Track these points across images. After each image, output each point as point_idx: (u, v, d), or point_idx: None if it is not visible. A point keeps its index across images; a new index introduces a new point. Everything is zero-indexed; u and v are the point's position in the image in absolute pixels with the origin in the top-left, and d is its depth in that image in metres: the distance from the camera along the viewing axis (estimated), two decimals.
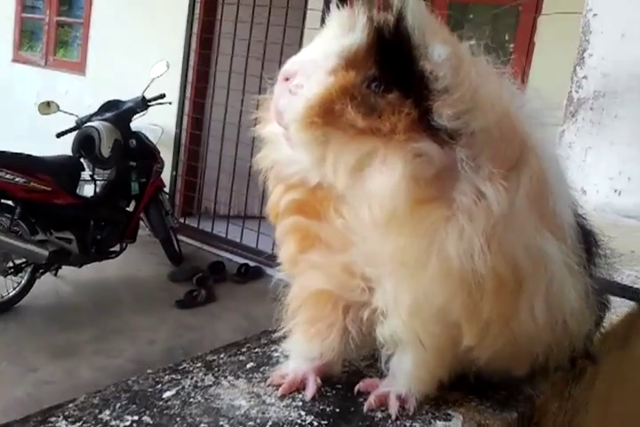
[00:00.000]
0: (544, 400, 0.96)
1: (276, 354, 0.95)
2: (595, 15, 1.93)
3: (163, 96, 5.29)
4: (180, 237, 5.95)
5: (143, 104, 5.19)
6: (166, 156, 5.83)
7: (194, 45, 6.29)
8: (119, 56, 6.91)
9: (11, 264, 4.65)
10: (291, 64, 0.79)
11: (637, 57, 1.91)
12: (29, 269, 4.69)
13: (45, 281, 4.92)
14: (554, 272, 0.79)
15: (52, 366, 4.06)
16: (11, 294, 4.68)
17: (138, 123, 5.35)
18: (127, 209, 5.28)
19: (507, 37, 5.01)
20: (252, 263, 5.96)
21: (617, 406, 1.43)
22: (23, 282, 4.70)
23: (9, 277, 4.66)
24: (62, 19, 8.12)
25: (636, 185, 1.98)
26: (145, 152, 5.29)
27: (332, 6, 0.82)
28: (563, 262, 0.81)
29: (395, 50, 0.74)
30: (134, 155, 5.16)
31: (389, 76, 0.74)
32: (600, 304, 0.94)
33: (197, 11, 6.25)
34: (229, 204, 6.24)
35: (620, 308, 1.29)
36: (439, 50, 0.74)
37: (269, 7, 5.54)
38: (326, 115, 0.73)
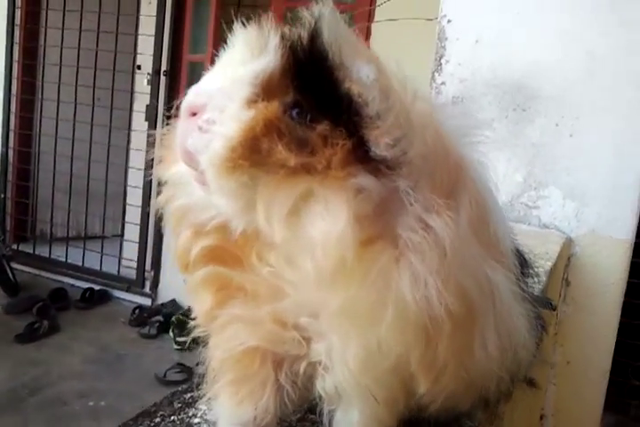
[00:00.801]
0: None
1: (196, 420, 0.82)
2: (449, 21, 1.97)
3: None
4: (15, 265, 5.49)
5: None
6: None
7: (16, 56, 5.80)
8: None
9: None
10: (195, 95, 0.69)
11: (491, 62, 1.98)
12: None
13: None
14: (503, 302, 0.73)
15: None
16: None
17: None
18: None
19: None
20: (96, 287, 5.63)
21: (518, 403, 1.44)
22: None
23: None
24: None
25: (498, 186, 2.03)
26: None
27: (237, 25, 0.72)
28: (510, 291, 0.75)
29: (314, 72, 0.65)
30: None
31: (314, 102, 0.65)
32: (540, 326, 0.91)
33: (18, 18, 5.76)
34: (67, 225, 5.82)
35: None
36: (365, 70, 0.66)
37: (99, 13, 5.24)
38: (251, 155, 0.63)
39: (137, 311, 5.31)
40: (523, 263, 0.90)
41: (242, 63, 0.68)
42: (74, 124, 5.49)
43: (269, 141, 0.63)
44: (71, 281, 5.74)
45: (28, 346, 4.62)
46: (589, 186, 1.99)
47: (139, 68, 5.33)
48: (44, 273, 5.83)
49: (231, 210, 0.67)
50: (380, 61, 0.69)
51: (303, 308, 0.69)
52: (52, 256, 5.78)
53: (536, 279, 0.96)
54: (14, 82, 5.82)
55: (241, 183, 0.63)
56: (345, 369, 0.69)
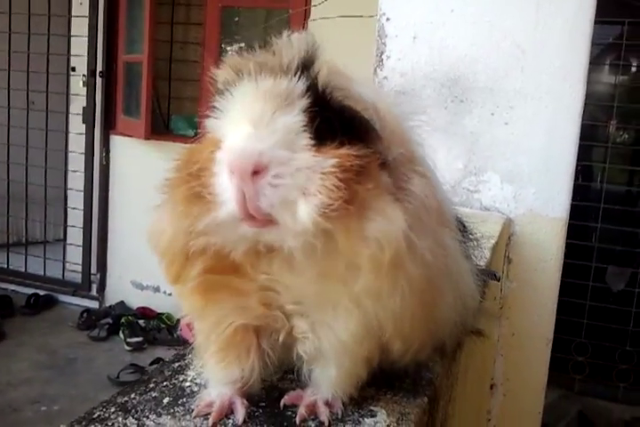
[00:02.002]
0: (439, 381, 1.02)
1: (187, 384, 0.91)
2: (388, 19, 2.08)
3: None
4: None
5: None
6: None
7: None
8: None
9: None
10: (246, 154, 0.71)
11: (429, 57, 2.10)
12: None
13: None
14: (455, 260, 0.86)
15: None
16: None
17: None
18: None
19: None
20: (41, 292, 5.54)
21: (470, 374, 1.57)
22: None
23: None
24: None
25: (440, 174, 2.16)
26: None
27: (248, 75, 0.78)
28: (457, 250, 0.89)
29: (331, 104, 0.77)
30: None
31: (345, 131, 0.76)
32: (482, 281, 1.04)
33: None
34: (7, 231, 5.70)
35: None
36: (365, 93, 0.80)
37: (29, 15, 5.15)
38: (352, 196, 0.73)
39: (85, 315, 5.27)
40: (463, 229, 1.03)
41: (270, 113, 0.74)
42: (8, 129, 5.39)
43: (357, 180, 0.73)
44: (14, 287, 5.65)
45: None
46: (525, 170, 2.14)
47: (73, 69, 5.27)
48: None
49: (299, 241, 0.74)
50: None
51: (290, 297, 0.80)
52: None
53: (475, 243, 1.09)
54: None
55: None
56: (331, 337, 0.80)
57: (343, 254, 0.75)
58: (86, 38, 5.05)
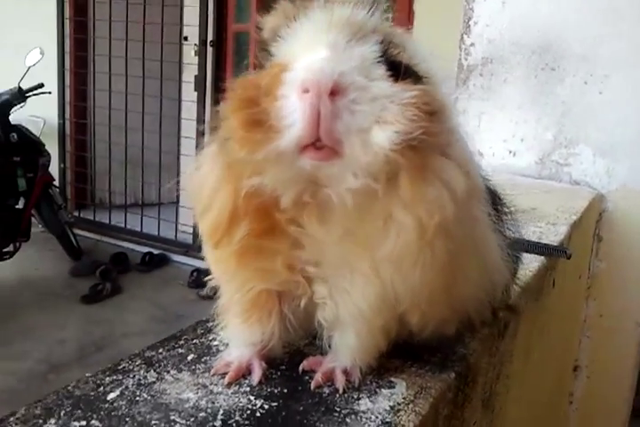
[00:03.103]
0: (476, 358, 1.00)
1: (215, 343, 0.94)
2: None
3: (41, 86, 5.03)
4: (77, 231, 5.76)
5: (20, 95, 4.93)
6: (52, 148, 5.57)
7: (67, 30, 5.99)
8: None
9: None
10: (327, 72, 0.68)
11: (519, 22, 2.00)
12: None
13: None
14: (480, 232, 0.83)
15: None
16: None
17: (17, 116, 5.08)
18: (16, 207, 5.03)
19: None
20: (155, 251, 5.85)
21: (536, 353, 1.52)
22: None
23: None
24: None
25: (529, 145, 2.08)
26: (28, 146, 5.04)
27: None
28: (485, 222, 0.86)
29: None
30: (17, 150, 4.91)
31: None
32: (514, 257, 1.00)
33: None
34: (125, 193, 6.05)
35: (531, 263, 1.37)
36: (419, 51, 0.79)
37: None
38: (429, 135, 0.70)
39: (195, 274, 5.49)
40: (497, 201, 0.99)
41: (347, 42, 0.72)
42: (126, 96, 5.66)
43: (431, 119, 0.70)
44: (131, 246, 5.99)
45: (92, 306, 4.91)
46: (620, 142, 2.01)
47: (185, 39, 5.44)
48: (105, 238, 6.11)
49: (359, 181, 0.71)
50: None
51: (314, 255, 0.79)
52: (112, 222, 6.04)
53: (510, 216, 1.04)
54: (67, 56, 6.03)
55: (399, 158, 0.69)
56: (349, 304, 0.79)
57: (392, 205, 0.72)
58: (198, 8, 5.18)
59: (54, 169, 5.75)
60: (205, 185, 0.79)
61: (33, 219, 5.24)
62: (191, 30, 5.33)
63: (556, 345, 1.83)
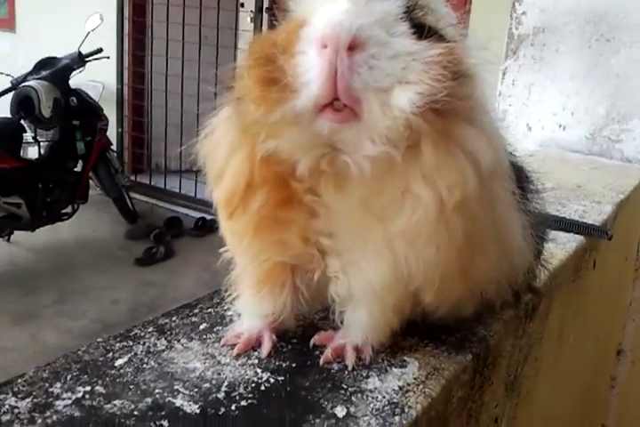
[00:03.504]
0: (498, 340, 0.97)
1: (229, 313, 0.94)
2: None
3: (100, 51, 5.10)
4: (133, 195, 5.88)
5: (80, 60, 5.01)
6: (110, 112, 5.68)
7: None
8: (49, 10, 6.60)
9: None
10: (344, 26, 0.64)
11: None
12: None
13: None
14: (501, 211, 0.79)
15: (15, 333, 4.03)
16: None
17: (76, 80, 5.17)
18: (75, 169, 5.17)
19: None
20: (208, 217, 5.92)
21: (571, 336, 1.48)
22: None
23: None
24: None
25: (580, 119, 1.99)
26: (87, 110, 5.14)
27: None
28: (507, 200, 0.81)
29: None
30: (76, 113, 5.02)
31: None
32: (538, 238, 0.95)
33: None
34: (180, 158, 6.13)
35: (568, 243, 1.32)
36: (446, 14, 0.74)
37: None
38: (454, 99, 0.67)
39: None
40: (523, 179, 0.94)
41: None
42: (183, 62, 5.70)
43: (457, 81, 0.66)
44: (185, 211, 6.10)
45: (146, 269, 5.03)
46: None
47: (242, 5, 5.42)
48: (159, 203, 6.23)
49: (378, 148, 0.68)
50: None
51: (328, 226, 0.76)
52: (167, 187, 6.15)
53: (536, 195, 0.99)
54: (125, 22, 6.09)
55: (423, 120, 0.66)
56: (361, 279, 0.77)
57: (411, 177, 0.69)
58: None
59: (112, 133, 5.86)
60: (219, 150, 0.77)
61: (91, 181, 5.37)
62: None
63: (597, 328, 1.77)
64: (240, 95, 0.72)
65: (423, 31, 0.69)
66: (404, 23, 0.68)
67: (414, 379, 0.82)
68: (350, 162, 0.70)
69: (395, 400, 0.77)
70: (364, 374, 0.82)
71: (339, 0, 0.67)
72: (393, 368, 0.84)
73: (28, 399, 0.70)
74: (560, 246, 1.28)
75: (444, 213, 0.69)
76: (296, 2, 0.73)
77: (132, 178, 6.30)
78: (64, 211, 5.10)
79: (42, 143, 5.05)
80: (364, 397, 0.77)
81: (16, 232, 4.92)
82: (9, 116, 4.82)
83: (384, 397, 0.78)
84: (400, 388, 0.80)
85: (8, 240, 4.99)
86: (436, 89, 0.64)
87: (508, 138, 0.88)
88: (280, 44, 0.68)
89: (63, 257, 5.12)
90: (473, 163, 0.69)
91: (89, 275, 4.81)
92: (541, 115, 2.07)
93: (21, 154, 4.92)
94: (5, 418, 0.67)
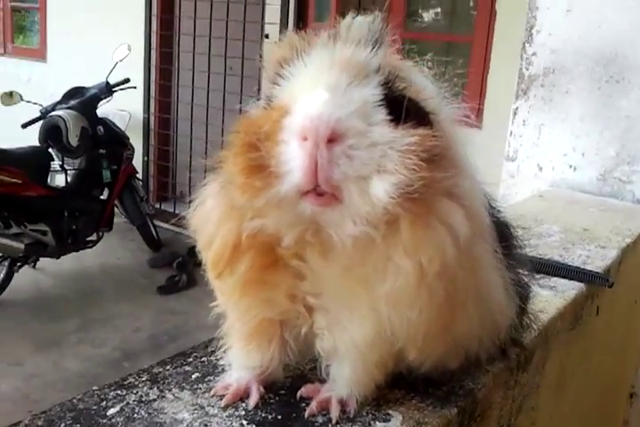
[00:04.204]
0: (486, 392, 0.98)
1: (222, 362, 0.97)
2: None
3: (127, 81, 5.22)
4: (157, 223, 5.92)
5: (108, 90, 5.13)
6: (136, 141, 5.78)
7: (154, 27, 6.19)
8: (79, 41, 6.80)
9: None
10: (323, 119, 0.67)
11: (582, 32, 1.91)
12: (6, 263, 4.68)
13: (24, 274, 4.91)
14: (482, 273, 0.82)
15: (38, 359, 4.08)
16: None
17: (104, 109, 5.29)
18: (101, 197, 5.25)
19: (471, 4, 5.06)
20: None
21: (574, 383, 1.47)
22: (1, 276, 4.68)
23: None
24: (16, 4, 7.91)
25: (591, 160, 2.00)
26: (114, 139, 5.24)
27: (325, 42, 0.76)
28: (488, 262, 0.84)
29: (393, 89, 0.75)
30: (103, 142, 5.11)
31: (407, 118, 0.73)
32: (520, 295, 0.96)
33: None
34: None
35: (567, 291, 1.32)
36: (427, 86, 0.78)
37: None
38: (430, 182, 0.70)
39: None
40: (507, 236, 0.95)
41: (348, 84, 0.71)
42: (208, 92, 5.80)
43: (432, 166, 0.69)
44: None
45: (168, 297, 5.06)
46: None
47: (267, 36, 5.50)
48: (183, 231, 6.24)
49: (358, 228, 0.71)
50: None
51: (315, 287, 0.79)
52: None
53: (521, 251, 1.01)
54: (153, 52, 6.23)
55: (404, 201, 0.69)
56: (345, 337, 0.80)
57: (393, 250, 0.72)
58: (279, 7, 5.24)
59: (138, 162, 5.96)
60: (209, 221, 0.81)
61: (116, 209, 5.45)
62: (272, 28, 5.39)
63: (604, 373, 1.76)
64: (226, 179, 0.76)
65: (401, 110, 0.71)
66: (381, 110, 0.71)
67: None
68: (334, 235, 0.74)
69: None
70: None
71: (319, 88, 0.70)
72: (376, 422, 0.86)
73: None
74: (559, 295, 1.29)
75: (425, 279, 0.72)
76: (279, 89, 0.76)
77: (157, 206, 6.38)
78: (89, 238, 5.17)
79: (69, 171, 5.17)
80: None
81: (41, 259, 5.00)
82: (37, 144, 4.94)
83: None
84: None
85: (34, 267, 5.07)
86: (411, 179, 0.68)
87: (494, 195, 0.91)
88: (264, 133, 0.72)
89: (87, 284, 5.19)
90: (451, 235, 0.71)
91: (112, 302, 4.87)
92: (552, 155, 2.08)
93: (49, 182, 5.03)
94: None
